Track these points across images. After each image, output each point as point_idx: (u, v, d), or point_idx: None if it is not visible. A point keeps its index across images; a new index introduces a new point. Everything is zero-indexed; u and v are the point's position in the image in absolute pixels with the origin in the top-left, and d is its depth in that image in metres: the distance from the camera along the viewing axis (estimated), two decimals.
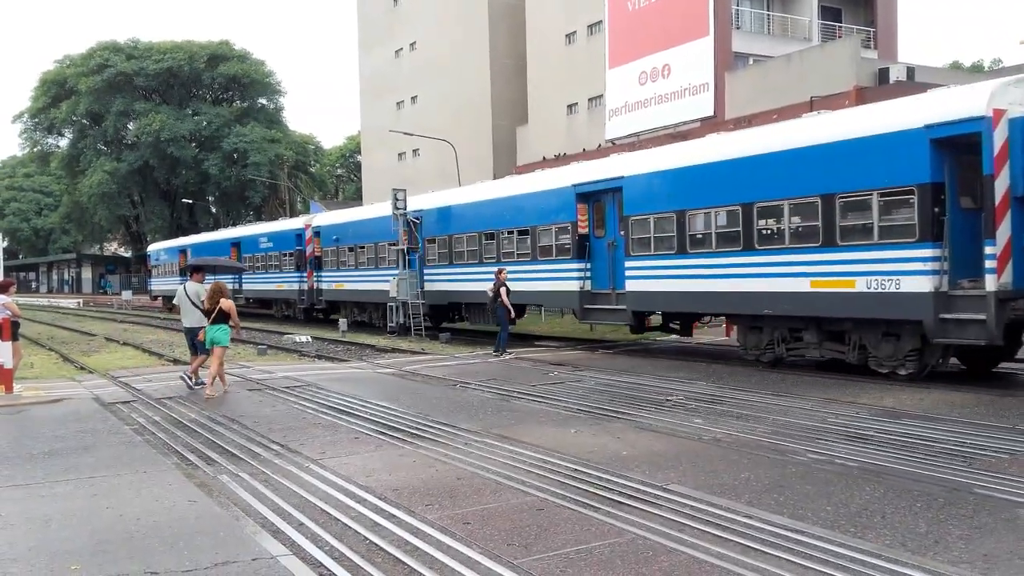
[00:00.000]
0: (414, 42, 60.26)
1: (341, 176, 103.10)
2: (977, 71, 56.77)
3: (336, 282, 32.06)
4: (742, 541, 5.89)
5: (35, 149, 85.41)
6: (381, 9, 63.68)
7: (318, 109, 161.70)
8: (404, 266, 25.96)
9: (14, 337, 14.48)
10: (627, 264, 18.33)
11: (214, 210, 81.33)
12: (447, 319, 27.35)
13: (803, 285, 14.56)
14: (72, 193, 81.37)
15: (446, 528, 6.37)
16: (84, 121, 78.41)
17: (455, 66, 54.98)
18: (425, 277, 26.08)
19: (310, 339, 26.25)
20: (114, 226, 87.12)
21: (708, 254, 16.45)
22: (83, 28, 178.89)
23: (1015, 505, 6.63)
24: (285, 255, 36.11)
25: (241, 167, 72.45)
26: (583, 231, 19.83)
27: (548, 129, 47.53)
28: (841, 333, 14.58)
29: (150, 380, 16.05)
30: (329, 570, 5.63)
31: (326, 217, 34.95)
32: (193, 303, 14.75)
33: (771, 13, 40.15)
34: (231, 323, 14.08)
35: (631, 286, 18.25)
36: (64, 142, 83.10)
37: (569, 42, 47.11)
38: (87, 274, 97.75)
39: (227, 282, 34.20)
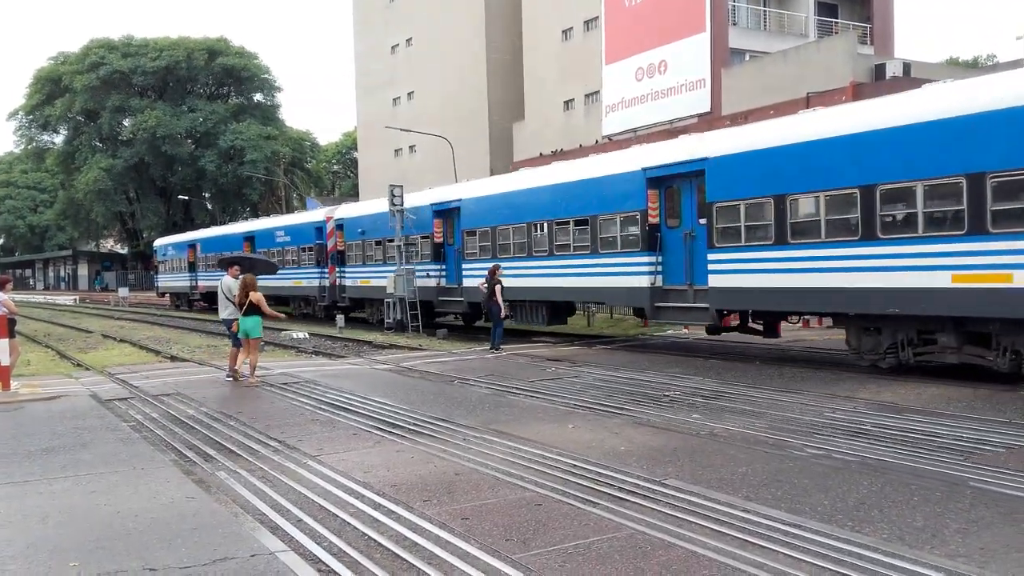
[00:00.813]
0: (410, 38, 60.22)
1: (338, 172, 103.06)
2: (973, 67, 56.83)
3: (362, 278, 30.00)
4: (740, 535, 5.90)
5: (30, 146, 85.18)
6: (377, 5, 63.63)
7: (314, 105, 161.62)
8: (402, 262, 25.89)
9: (11, 334, 14.44)
10: (710, 257, 16.24)
11: (210, 207, 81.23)
12: (477, 316, 25.50)
13: (941, 280, 12.54)
14: (68, 190, 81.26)
15: (445, 524, 6.37)
16: (79, 118, 78.28)
17: (451, 62, 54.95)
18: (464, 272, 24.12)
19: (307, 335, 26.24)
20: (110, 223, 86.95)
21: (815, 244, 14.28)
22: (78, 25, 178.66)
23: (1012, 499, 6.64)
24: (304, 250, 34.21)
25: (238, 164, 72.36)
26: (654, 220, 17.76)
27: (545, 125, 47.54)
28: (986, 335, 12.67)
29: (147, 377, 16.03)
30: (328, 566, 5.63)
31: (350, 209, 32.89)
32: (227, 297, 15.54)
33: (767, 9, 40.16)
34: (264, 313, 14.98)
35: (715, 281, 16.15)
36: (59, 139, 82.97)
37: (566, 38, 47.11)
38: (83, 271, 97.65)
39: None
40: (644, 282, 17.91)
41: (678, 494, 6.97)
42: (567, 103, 47.20)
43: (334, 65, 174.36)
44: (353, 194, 74.64)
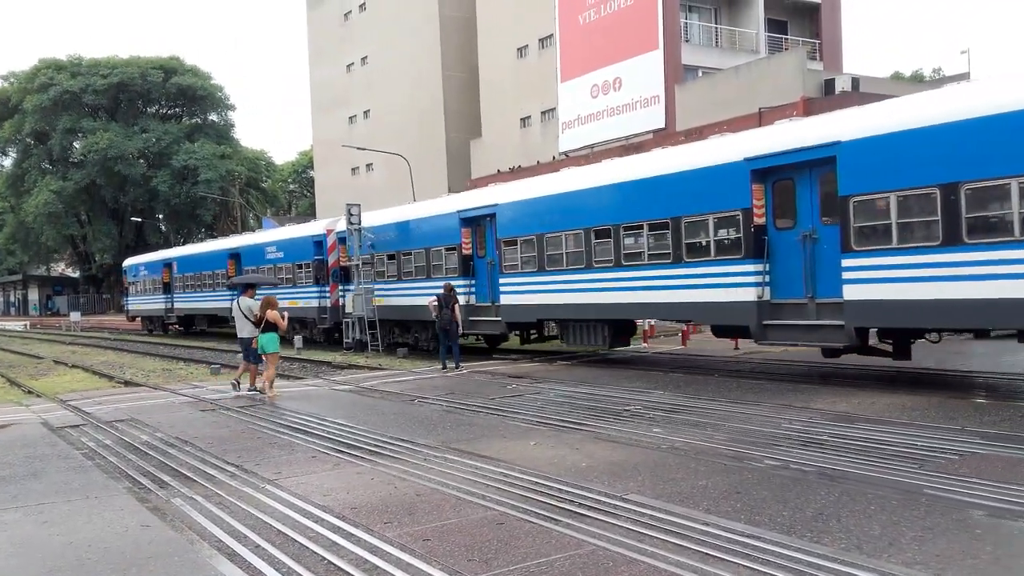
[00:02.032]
0: (365, 56, 60.18)
1: (294, 191, 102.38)
2: (918, 81, 58.18)
3: (375, 296, 26.50)
4: (700, 548, 5.93)
5: None
6: (332, 24, 63.53)
7: (269, 125, 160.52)
8: (359, 281, 25.70)
9: None
10: (846, 263, 13.43)
11: (164, 228, 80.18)
12: (526, 338, 22.85)
13: None
14: (17, 213, 79.69)
15: (405, 545, 6.31)
16: (29, 140, 76.97)
17: (407, 80, 54.99)
18: (501, 288, 21.04)
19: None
20: (61, 246, 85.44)
21: (1008, 244, 11.46)
22: (26, 44, 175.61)
23: (966, 505, 6.76)
24: (300, 267, 30.38)
25: (191, 184, 71.60)
26: (760, 221, 14.88)
27: (502, 142, 47.72)
28: None
29: (100, 403, 15.72)
30: None
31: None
32: (245, 316, 16.57)
33: (719, 26, 40.79)
34: (279, 331, 16.05)
35: (854, 293, 13.33)
36: (8, 161, 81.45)
37: (521, 56, 47.41)
38: (34, 295, 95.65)
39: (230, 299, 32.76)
40: (748, 295, 15.05)
41: (639, 509, 6.99)
42: (524, 120, 47.45)
43: (289, 84, 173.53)
44: (310, 213, 74.17)
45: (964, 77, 33.24)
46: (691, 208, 16.08)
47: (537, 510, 7.09)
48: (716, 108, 31.55)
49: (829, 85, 30.54)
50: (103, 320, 65.27)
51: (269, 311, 15.76)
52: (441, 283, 21.70)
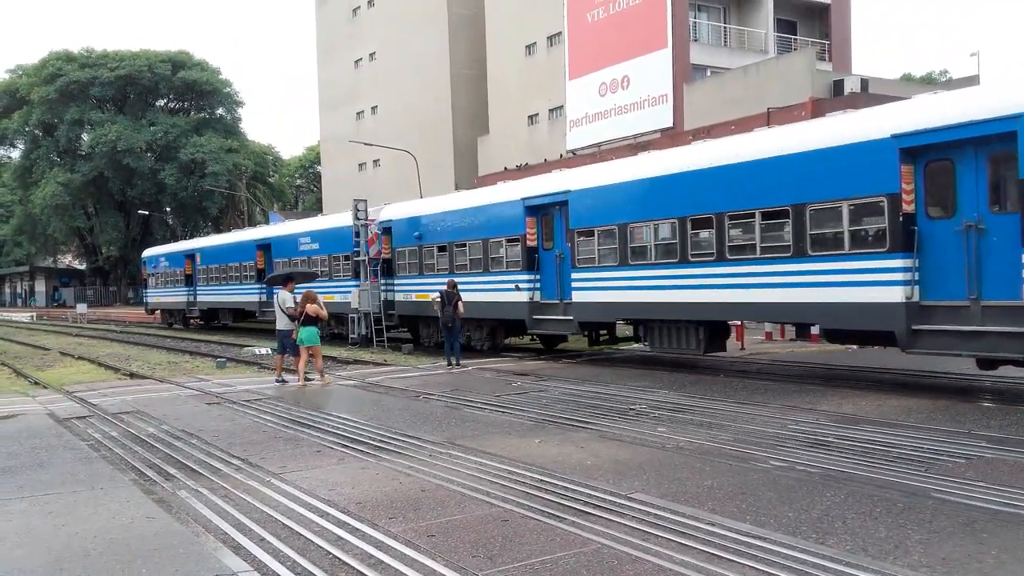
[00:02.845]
0: (373, 52, 60.19)
1: (301, 186, 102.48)
2: (928, 83, 58.01)
3: (418, 291, 24.63)
4: (706, 549, 5.92)
5: None
6: (340, 19, 63.56)
7: (277, 120, 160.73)
8: (365, 277, 25.67)
9: None
10: None
11: (171, 221, 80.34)
12: (595, 339, 20.85)
13: None
14: (25, 205, 79.90)
15: (410, 541, 6.32)
16: (36, 132, 77.14)
17: (415, 76, 54.99)
18: (573, 284, 19.06)
19: (270, 351, 25.97)
20: (68, 238, 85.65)
21: None
22: (35, 39, 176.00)
23: (972, 509, 6.74)
24: (337, 259, 28.54)
25: (198, 178, 71.66)
26: (909, 209, 12.83)
27: (509, 139, 47.70)
28: None
29: (106, 395, 15.76)
30: None
31: (401, 208, 26.68)
32: (283, 310, 17.15)
33: (728, 26, 40.70)
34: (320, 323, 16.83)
35: None
36: (16, 153, 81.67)
37: (529, 53, 47.36)
38: (41, 287, 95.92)
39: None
40: (893, 295, 12.95)
41: (645, 508, 6.98)
42: (531, 118, 47.41)
43: (297, 79, 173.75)
44: (317, 208, 74.25)
45: (974, 80, 33.12)
46: (819, 193, 13.90)
47: (542, 507, 7.09)
48: (724, 108, 31.51)
49: (838, 86, 30.48)
50: (109, 312, 65.45)
51: (309, 305, 16.42)
52: (501, 277, 21.12)
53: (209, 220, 78.87)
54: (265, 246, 34.47)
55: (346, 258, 27.57)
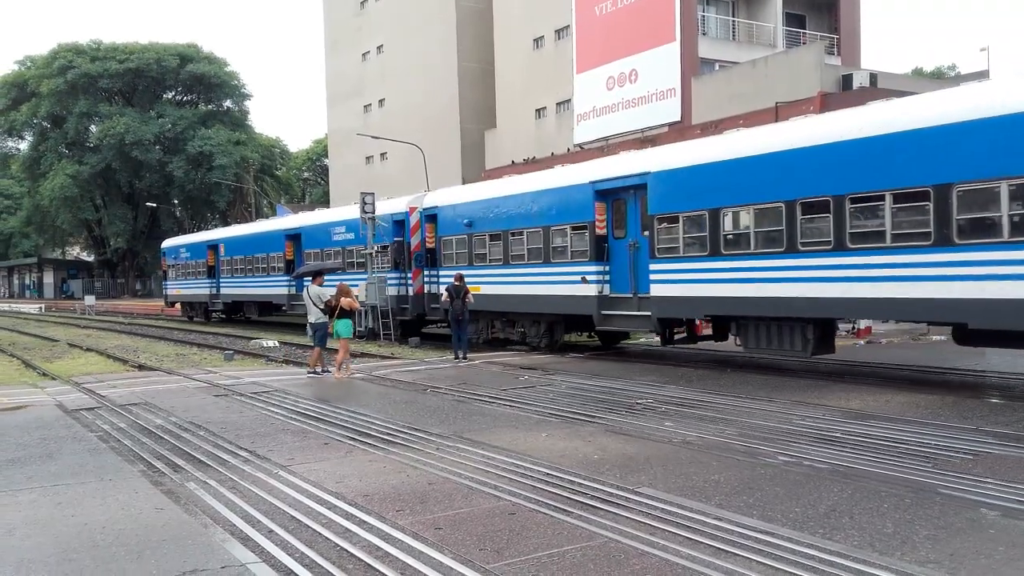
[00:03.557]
0: (381, 45, 60.11)
1: (308, 179, 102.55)
2: (937, 78, 57.75)
3: (470, 283, 21.36)
4: (713, 543, 5.92)
5: None
6: (348, 12, 63.47)
7: (285, 112, 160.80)
8: (373, 270, 25.65)
9: None
10: None
11: (179, 214, 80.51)
12: (668, 337, 18.10)
13: None
14: (33, 196, 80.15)
15: (418, 534, 6.33)
16: (45, 124, 77.34)
17: (423, 69, 54.91)
18: (652, 275, 17.14)
19: (277, 344, 26.05)
20: (76, 230, 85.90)
21: None
22: (43, 31, 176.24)
23: (979, 505, 6.73)
24: (375, 249, 26.58)
25: (206, 170, 71.76)
26: None
27: (517, 133, 47.63)
28: None
29: (114, 386, 15.82)
30: None
31: (449, 195, 24.67)
32: (314, 303, 17.39)
33: (737, 20, 40.55)
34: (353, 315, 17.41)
35: None
36: (24, 145, 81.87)
37: (537, 46, 47.26)
38: (49, 279, 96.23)
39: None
40: None
41: (651, 502, 6.99)
42: (539, 111, 47.33)
43: (305, 72, 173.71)
44: (324, 201, 74.32)
45: (983, 75, 32.95)
46: (970, 172, 11.93)
47: (549, 501, 7.10)
48: (732, 102, 31.38)
49: (847, 80, 30.32)
50: (117, 304, 65.63)
51: (344, 299, 16.85)
52: (564, 269, 19.26)
53: (217, 213, 79.00)
54: (295, 236, 32.50)
55: (384, 248, 25.92)
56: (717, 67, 37.91)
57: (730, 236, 15.60)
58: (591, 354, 20.06)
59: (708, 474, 7.90)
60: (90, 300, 58.89)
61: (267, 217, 51.65)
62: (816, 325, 14.76)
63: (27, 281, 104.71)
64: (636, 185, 17.65)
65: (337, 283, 17.59)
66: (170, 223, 78.53)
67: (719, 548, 5.82)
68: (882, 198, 13.04)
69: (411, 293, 24.93)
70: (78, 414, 12.58)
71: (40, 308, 67.94)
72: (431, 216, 24.45)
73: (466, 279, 20.70)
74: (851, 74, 30.73)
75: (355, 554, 5.94)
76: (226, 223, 69.11)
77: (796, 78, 30.23)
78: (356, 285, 23.67)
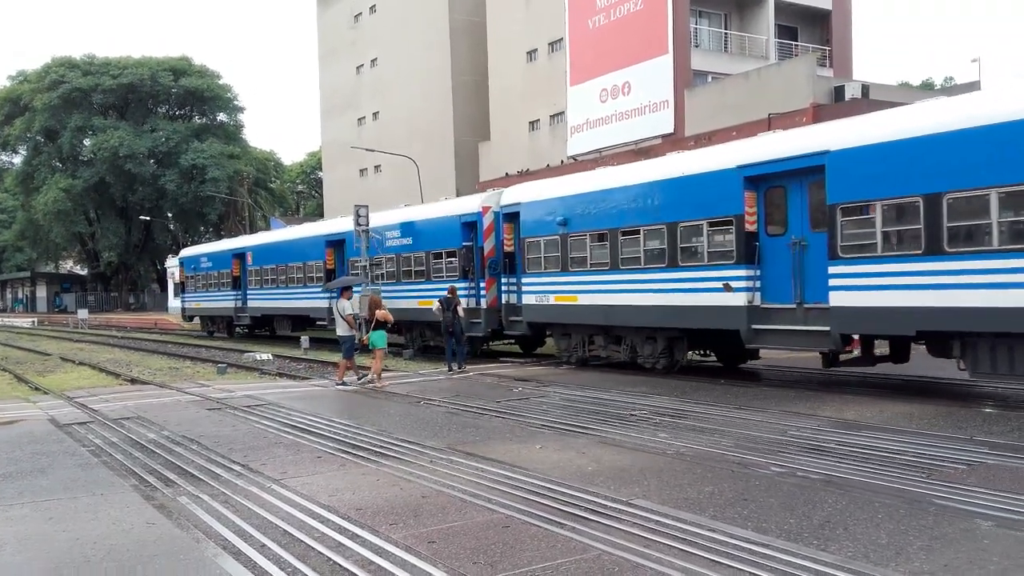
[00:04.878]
0: (375, 58, 60.24)
1: (302, 192, 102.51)
2: (927, 89, 58.07)
3: (559, 292, 19.39)
4: (707, 555, 5.91)
5: None
6: (342, 25, 63.63)
7: (278, 126, 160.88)
8: (370, 282, 25.51)
9: None
10: None
11: (172, 227, 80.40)
12: (832, 358, 14.78)
13: None
14: (27, 210, 79.98)
15: (411, 547, 6.31)
16: (39, 138, 77.24)
17: (416, 82, 55.03)
18: (833, 282, 13.67)
19: (271, 357, 25.99)
20: (69, 244, 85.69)
21: None
22: (37, 46, 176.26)
23: (974, 515, 6.72)
24: (439, 256, 23.53)
25: (199, 183, 71.68)
26: None
27: (510, 145, 47.71)
28: None
29: (107, 400, 15.75)
30: None
31: (534, 189, 21.13)
32: (342, 316, 17.93)
33: (729, 32, 40.73)
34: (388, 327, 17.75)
35: None
36: (18, 159, 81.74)
37: (530, 59, 47.41)
38: (42, 292, 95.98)
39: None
40: None
41: (646, 514, 6.97)
42: (532, 124, 47.43)
43: (299, 85, 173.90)
44: (318, 214, 74.29)
45: (975, 86, 33.13)
46: None
47: (543, 514, 7.07)
48: (725, 113, 31.48)
49: (839, 92, 30.45)
50: (110, 318, 65.45)
51: (378, 311, 17.32)
52: (697, 273, 15.98)
53: (210, 226, 78.87)
54: (337, 243, 28.79)
55: (450, 255, 22.91)
56: (710, 79, 38.05)
57: (955, 229, 11.94)
58: (584, 366, 19.66)
59: (702, 485, 7.89)
60: (83, 314, 58.75)
61: (261, 231, 51.41)
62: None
63: (20, 295, 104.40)
64: (803, 168, 14.18)
65: (369, 294, 18.39)
66: (164, 236, 78.35)
67: (713, 560, 5.81)
68: None
69: (484, 306, 21.85)
70: (70, 428, 12.51)
71: (33, 322, 67.76)
72: (509, 215, 21.32)
73: (560, 287, 19.04)
74: (843, 85, 30.88)
75: (348, 568, 5.91)
76: (219, 236, 68.96)
77: (789, 90, 30.35)
78: (423, 298, 23.23)
